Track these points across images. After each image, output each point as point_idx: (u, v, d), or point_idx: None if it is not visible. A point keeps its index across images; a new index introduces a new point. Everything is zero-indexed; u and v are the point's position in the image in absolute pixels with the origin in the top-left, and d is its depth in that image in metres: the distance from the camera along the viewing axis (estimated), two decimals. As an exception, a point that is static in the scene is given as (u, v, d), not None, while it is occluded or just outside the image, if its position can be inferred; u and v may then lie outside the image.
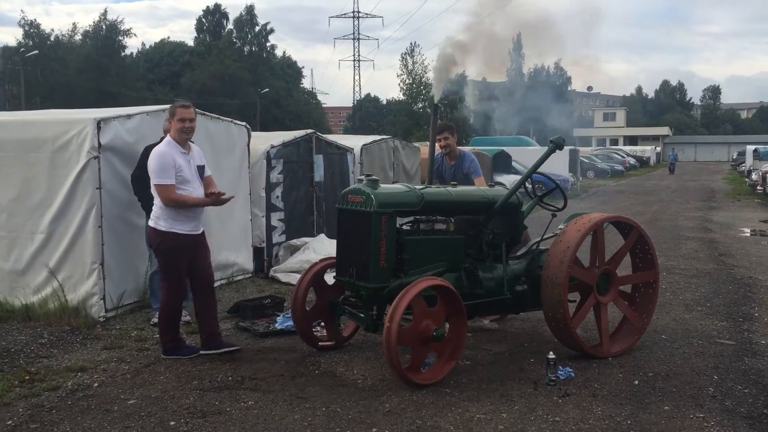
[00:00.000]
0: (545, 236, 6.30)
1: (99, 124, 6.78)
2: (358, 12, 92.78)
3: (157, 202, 5.66)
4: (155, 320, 6.55)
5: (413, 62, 67.18)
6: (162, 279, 5.82)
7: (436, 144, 7.05)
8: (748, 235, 14.57)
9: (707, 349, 6.08)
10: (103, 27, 59.10)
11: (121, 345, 6.18)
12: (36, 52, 49.63)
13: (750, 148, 35.22)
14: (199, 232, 5.90)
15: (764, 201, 23.04)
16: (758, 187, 25.05)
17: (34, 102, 49.45)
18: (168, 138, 5.74)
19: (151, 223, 5.75)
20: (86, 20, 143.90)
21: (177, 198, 5.57)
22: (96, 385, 5.18)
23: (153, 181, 5.60)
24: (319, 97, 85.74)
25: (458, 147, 7.52)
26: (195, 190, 5.73)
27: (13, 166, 7.18)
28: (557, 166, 22.66)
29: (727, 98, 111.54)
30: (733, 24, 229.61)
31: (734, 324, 6.98)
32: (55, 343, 6.23)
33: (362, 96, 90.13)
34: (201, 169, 5.88)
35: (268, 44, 70.85)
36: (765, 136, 70.60)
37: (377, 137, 13.93)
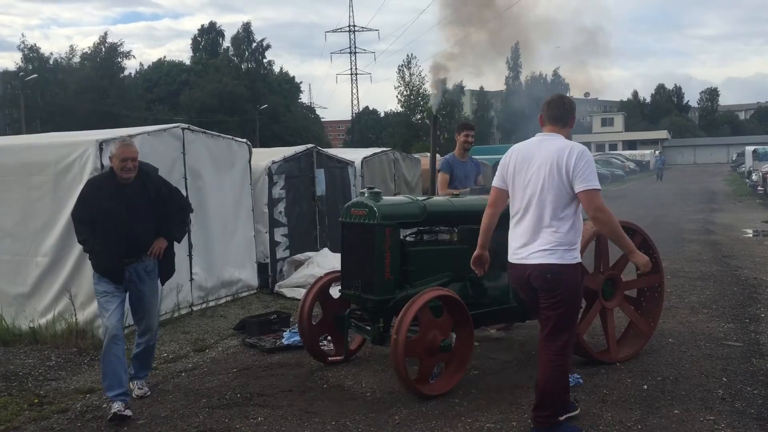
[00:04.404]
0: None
1: (101, 145, 6.81)
2: (354, 26, 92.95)
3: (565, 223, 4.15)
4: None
5: (410, 74, 67.63)
6: (570, 330, 4.30)
7: (461, 138, 7.55)
8: (751, 235, 14.57)
9: (715, 352, 6.07)
10: (103, 49, 59.38)
11: (129, 365, 6.17)
12: (35, 75, 49.80)
13: (749, 149, 35.21)
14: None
15: (765, 201, 23.03)
16: (759, 188, 25.04)
17: (34, 125, 49.59)
18: None
19: (555, 258, 4.14)
20: (84, 43, 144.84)
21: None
22: (105, 406, 5.17)
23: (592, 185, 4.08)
24: (318, 111, 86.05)
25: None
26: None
27: (16, 190, 7.22)
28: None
29: (725, 100, 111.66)
30: (724, 26, 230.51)
31: (741, 325, 6.97)
32: (62, 366, 6.24)
33: (360, 109, 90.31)
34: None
35: (265, 60, 71.17)
36: (763, 136, 70.58)
37: (377, 150, 13.99)
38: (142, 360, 5.40)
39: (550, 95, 4.60)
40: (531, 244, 4.21)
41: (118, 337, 4.96)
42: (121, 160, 5.00)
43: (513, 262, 4.36)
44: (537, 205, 4.19)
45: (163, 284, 5.51)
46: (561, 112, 4.35)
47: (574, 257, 4.17)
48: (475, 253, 4.68)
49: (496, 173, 4.57)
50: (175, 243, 5.45)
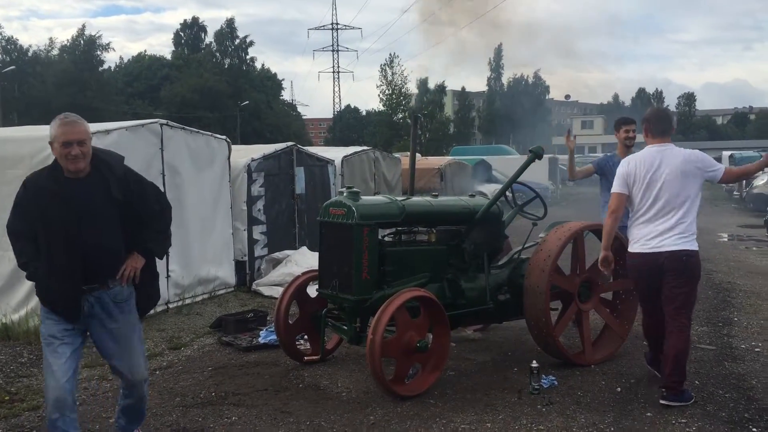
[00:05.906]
0: (526, 245, 6.34)
1: (77, 139, 6.70)
2: (337, 24, 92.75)
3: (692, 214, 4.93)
4: None
5: (392, 73, 67.57)
6: (693, 304, 5.10)
7: (622, 134, 6.85)
8: (726, 240, 14.75)
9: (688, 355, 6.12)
10: (81, 42, 58.63)
11: (103, 363, 6.09)
12: (13, 67, 49.05)
13: (726, 153, 35.64)
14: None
15: (741, 206, 23.34)
16: (735, 193, 25.39)
17: (11, 118, 48.88)
18: None
19: (689, 245, 4.87)
20: (64, 35, 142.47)
21: None
22: (77, 403, 5.11)
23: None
24: (299, 108, 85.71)
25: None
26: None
27: (-10, 184, 7.09)
28: (537, 174, 22.82)
29: (703, 105, 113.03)
30: (705, 32, 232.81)
31: (714, 329, 7.05)
32: (35, 362, 6.15)
33: (342, 107, 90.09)
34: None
35: (247, 57, 70.73)
36: (740, 141, 71.61)
37: (358, 149, 13.97)
38: (130, 413, 4.18)
39: (651, 110, 5.26)
40: (667, 235, 4.86)
41: (66, 405, 3.66)
42: (63, 143, 3.57)
43: (643, 251, 4.95)
44: (670, 204, 4.87)
45: (142, 317, 4.03)
46: (667, 126, 5.11)
47: (697, 245, 4.93)
48: (601, 255, 5.18)
49: (617, 181, 5.12)
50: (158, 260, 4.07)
